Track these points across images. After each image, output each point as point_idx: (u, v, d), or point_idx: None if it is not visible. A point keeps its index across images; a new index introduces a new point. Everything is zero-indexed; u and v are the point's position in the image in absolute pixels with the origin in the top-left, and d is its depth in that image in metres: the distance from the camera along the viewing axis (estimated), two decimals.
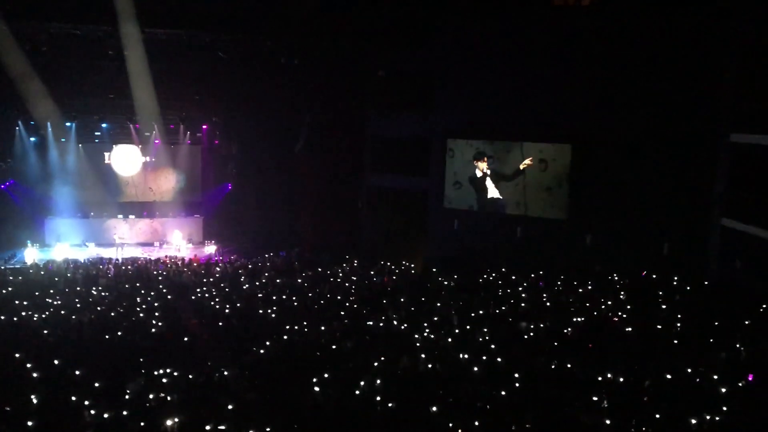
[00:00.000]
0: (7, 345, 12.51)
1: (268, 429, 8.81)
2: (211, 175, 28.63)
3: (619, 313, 14.78)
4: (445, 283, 18.52)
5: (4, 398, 9.67)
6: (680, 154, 18.42)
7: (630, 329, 13.55)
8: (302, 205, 26.31)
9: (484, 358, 11.63)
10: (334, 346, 12.59)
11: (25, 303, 15.78)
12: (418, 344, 12.71)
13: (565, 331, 13.60)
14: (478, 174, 21.75)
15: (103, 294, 17.12)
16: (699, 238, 18.48)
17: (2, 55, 19.49)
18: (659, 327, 13.66)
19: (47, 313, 14.98)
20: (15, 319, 14.53)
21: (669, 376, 10.67)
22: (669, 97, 18.32)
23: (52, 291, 17.27)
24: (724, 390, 10.13)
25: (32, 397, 9.76)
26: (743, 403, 9.73)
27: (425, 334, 13.27)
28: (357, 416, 9.47)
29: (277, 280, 18.92)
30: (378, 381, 10.49)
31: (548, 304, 15.89)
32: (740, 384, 10.37)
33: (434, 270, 20.18)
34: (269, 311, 15.27)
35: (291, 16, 20.58)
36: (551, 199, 20.43)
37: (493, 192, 21.64)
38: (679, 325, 13.78)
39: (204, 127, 27.61)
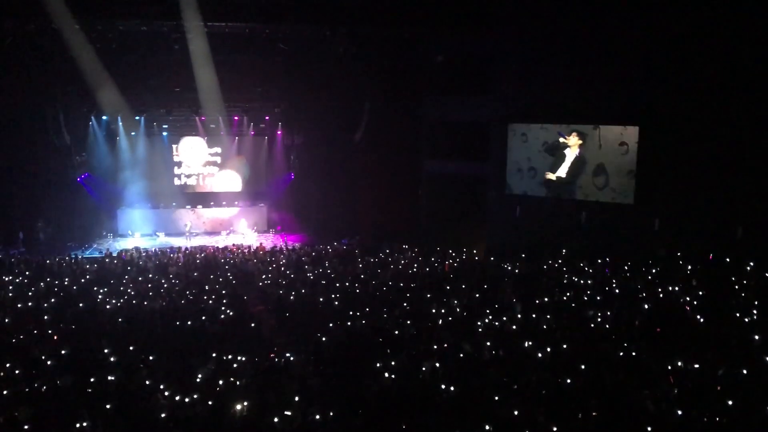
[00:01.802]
0: (87, 331, 13.16)
1: (332, 413, 8.96)
2: (275, 165, 29.14)
3: (688, 299, 14.29)
4: (508, 269, 18.33)
5: (85, 381, 10.16)
6: (751, 131, 17.50)
7: (701, 317, 13.09)
8: (362, 192, 26.48)
9: (549, 349, 11.44)
10: (396, 332, 12.70)
11: (101, 291, 16.50)
12: (480, 330, 12.66)
13: (633, 318, 13.24)
14: (569, 154, 20.76)
15: (173, 282, 17.72)
16: None
17: (75, 53, 20.35)
18: (733, 314, 13.13)
19: (122, 300, 15.62)
20: (92, 306, 15.19)
21: (744, 365, 10.25)
22: (739, 71, 17.36)
23: (125, 279, 17.98)
24: None
25: (110, 380, 10.21)
26: None
27: (488, 321, 13.20)
28: (420, 402, 9.51)
29: (340, 267, 19.16)
30: (440, 367, 10.51)
31: (616, 290, 15.52)
32: None
33: (496, 256, 19.96)
34: (333, 297, 15.49)
35: (347, 4, 20.64)
36: (630, 184, 19.48)
37: (563, 171, 20.97)
38: (754, 312, 13.21)
39: (266, 117, 28.11)
